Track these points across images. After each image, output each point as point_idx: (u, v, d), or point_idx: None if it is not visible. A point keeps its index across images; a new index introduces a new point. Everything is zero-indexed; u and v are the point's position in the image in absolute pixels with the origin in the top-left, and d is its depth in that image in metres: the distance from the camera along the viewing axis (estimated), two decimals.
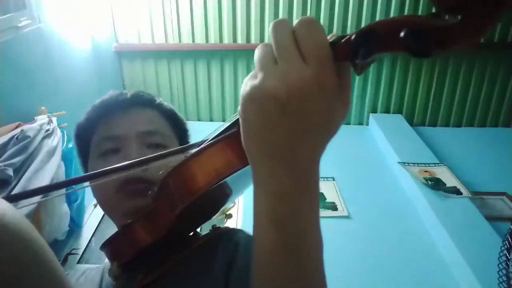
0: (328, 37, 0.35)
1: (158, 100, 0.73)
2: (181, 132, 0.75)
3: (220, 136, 0.45)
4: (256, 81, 0.34)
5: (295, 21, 0.35)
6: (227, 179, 0.45)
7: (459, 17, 0.28)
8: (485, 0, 0.27)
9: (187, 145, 0.64)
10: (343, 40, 0.33)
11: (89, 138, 0.69)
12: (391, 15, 3.27)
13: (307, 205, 0.36)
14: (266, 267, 0.37)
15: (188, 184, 0.46)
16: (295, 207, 0.35)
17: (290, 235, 0.36)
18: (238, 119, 0.43)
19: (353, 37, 0.32)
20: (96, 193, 0.66)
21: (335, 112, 0.35)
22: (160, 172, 0.50)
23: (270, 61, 0.34)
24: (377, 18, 3.28)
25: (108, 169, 0.55)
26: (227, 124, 0.47)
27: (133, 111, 0.69)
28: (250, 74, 0.36)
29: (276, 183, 0.35)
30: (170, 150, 0.59)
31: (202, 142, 0.53)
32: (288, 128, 0.34)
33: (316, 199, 0.37)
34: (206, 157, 0.45)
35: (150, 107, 0.71)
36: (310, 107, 0.33)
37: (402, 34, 0.29)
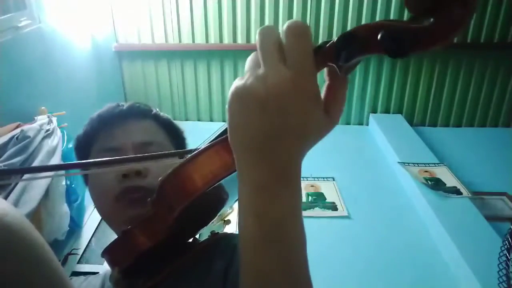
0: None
1: (155, 110, 0.74)
2: (179, 141, 0.76)
3: (216, 140, 0.47)
4: (241, 81, 0.38)
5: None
6: (223, 182, 0.46)
7: (431, 19, 0.30)
8: (453, 3, 0.29)
9: (185, 150, 0.64)
10: (327, 45, 0.36)
11: (88, 151, 0.71)
12: (391, 15, 3.27)
13: (286, 197, 0.37)
14: (249, 256, 0.38)
15: (185, 186, 0.47)
16: (273, 198, 0.37)
17: (269, 225, 0.37)
18: None
19: (335, 41, 0.35)
20: (96, 201, 0.68)
21: (315, 119, 0.36)
22: (159, 179, 0.51)
23: (255, 65, 0.38)
24: (377, 18, 3.29)
25: (106, 160, 0.57)
26: (222, 129, 0.49)
27: (130, 123, 0.70)
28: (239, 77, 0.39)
29: (255, 175, 0.37)
30: (169, 152, 0.59)
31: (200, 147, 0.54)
32: (266, 124, 0.36)
33: (296, 193, 0.38)
34: (202, 160, 0.46)
35: (146, 118, 0.72)
36: (287, 107, 0.35)
37: (379, 36, 0.32)
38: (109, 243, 0.59)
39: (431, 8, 0.30)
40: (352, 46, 0.34)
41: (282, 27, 0.37)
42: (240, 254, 0.40)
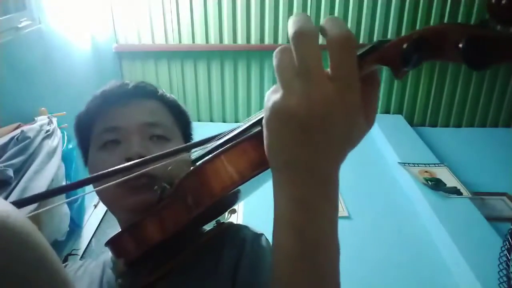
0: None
1: (161, 91, 0.71)
2: (184, 124, 0.74)
3: (243, 137, 0.44)
4: (278, 97, 0.34)
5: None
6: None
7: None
8: None
9: (191, 143, 0.62)
10: (388, 45, 0.33)
11: (90, 129, 0.68)
12: (391, 15, 3.27)
13: (326, 212, 0.37)
14: (283, 270, 0.38)
15: (209, 187, 0.45)
16: (314, 213, 0.36)
17: (308, 241, 0.36)
18: (259, 121, 0.43)
19: (405, 45, 0.32)
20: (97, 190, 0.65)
21: (357, 128, 0.36)
22: (169, 168, 0.49)
23: (292, 76, 0.33)
24: (377, 19, 3.29)
25: (111, 170, 0.53)
26: (245, 125, 0.46)
27: (135, 102, 0.67)
28: (273, 88, 0.36)
29: (296, 191, 0.36)
30: (173, 149, 0.57)
31: (210, 139, 0.52)
32: (309, 145, 0.34)
33: (335, 207, 0.37)
34: (230, 158, 0.44)
35: (152, 98, 0.69)
36: (332, 125, 0.33)
37: (461, 44, 0.28)
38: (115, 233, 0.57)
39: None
40: (425, 52, 0.31)
41: (321, 24, 0.34)
42: (273, 266, 0.39)
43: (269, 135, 0.37)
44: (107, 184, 0.54)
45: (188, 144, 0.61)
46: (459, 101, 3.55)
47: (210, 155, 0.46)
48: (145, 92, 0.69)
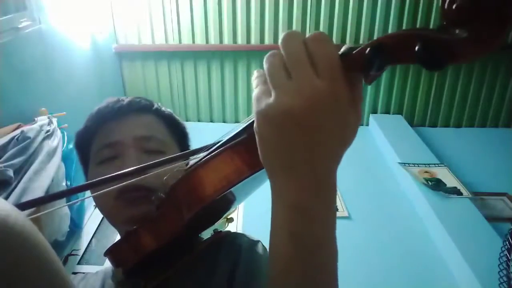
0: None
1: (156, 105, 0.72)
2: (181, 137, 0.74)
3: (230, 144, 0.45)
4: (270, 99, 0.35)
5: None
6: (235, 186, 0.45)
7: (468, 32, 0.29)
8: (489, 18, 0.28)
9: (187, 151, 0.63)
10: (355, 52, 0.35)
11: (89, 147, 0.69)
12: (391, 17, 3.27)
13: (323, 214, 0.36)
14: (281, 277, 0.37)
15: (199, 191, 0.46)
16: (311, 219, 0.36)
17: (306, 248, 0.36)
18: (247, 126, 0.44)
19: (367, 51, 0.33)
20: (96, 201, 0.66)
21: (349, 124, 0.36)
22: (164, 178, 0.50)
23: (283, 75, 0.35)
24: (377, 20, 3.29)
25: (107, 177, 0.55)
26: (235, 131, 0.48)
27: (130, 117, 0.68)
28: (261, 89, 0.37)
29: (293, 195, 0.36)
30: (170, 156, 0.58)
31: (205, 148, 0.54)
32: (304, 143, 0.34)
33: (333, 211, 0.37)
34: (217, 164, 0.45)
35: (147, 113, 0.70)
36: (325, 120, 0.34)
37: (416, 48, 0.30)
38: (110, 243, 0.58)
39: (467, 19, 0.29)
40: (385, 56, 0.33)
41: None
42: (269, 271, 0.39)
43: (264, 140, 0.37)
44: (102, 191, 0.55)
45: (182, 153, 0.62)
46: (459, 101, 3.55)
47: (199, 162, 0.47)
48: (140, 107, 0.70)
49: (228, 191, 0.45)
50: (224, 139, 0.49)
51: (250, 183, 0.47)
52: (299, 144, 0.34)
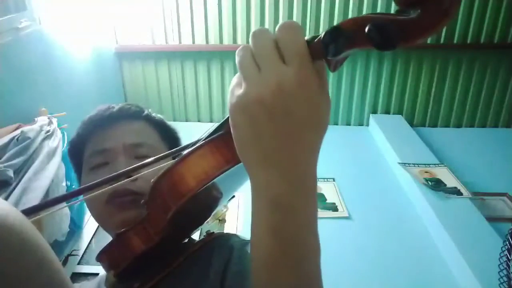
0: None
1: (146, 111, 0.73)
2: (172, 142, 0.75)
3: (208, 138, 0.46)
4: (241, 90, 0.35)
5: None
6: (216, 181, 0.46)
7: (419, 11, 0.30)
8: None
9: (174, 149, 0.64)
10: (315, 40, 0.35)
11: (81, 154, 0.71)
12: None
13: (304, 208, 0.36)
14: (263, 272, 0.37)
15: (178, 187, 0.46)
16: (291, 212, 0.35)
17: (287, 242, 0.36)
18: (224, 122, 0.44)
19: (321, 36, 0.34)
20: (87, 203, 0.68)
21: (321, 109, 0.36)
22: (152, 180, 0.50)
23: (252, 68, 0.35)
24: None
25: (99, 181, 0.56)
26: (214, 127, 0.48)
27: (120, 124, 0.69)
28: (235, 82, 0.37)
29: (272, 190, 0.35)
30: (159, 156, 0.59)
31: (189, 146, 0.54)
32: (277, 131, 0.34)
33: (314, 204, 0.37)
34: (194, 159, 0.46)
35: (138, 119, 0.72)
36: (295, 106, 0.34)
37: (366, 29, 0.31)
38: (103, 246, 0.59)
39: (419, 0, 0.30)
40: (339, 40, 0.33)
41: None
42: (253, 272, 0.39)
43: (237, 132, 0.37)
44: (95, 193, 0.56)
45: (168, 152, 0.63)
46: (459, 102, 3.55)
47: (176, 159, 0.48)
48: (130, 113, 0.71)
49: (210, 185, 0.46)
50: (205, 135, 0.50)
51: (233, 178, 0.48)
52: (271, 132, 0.34)
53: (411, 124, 3.52)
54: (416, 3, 0.30)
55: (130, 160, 0.66)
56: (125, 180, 0.57)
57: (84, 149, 0.70)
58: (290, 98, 0.34)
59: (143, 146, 0.68)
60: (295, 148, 0.35)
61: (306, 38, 0.36)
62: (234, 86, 0.37)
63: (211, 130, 0.49)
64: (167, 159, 0.63)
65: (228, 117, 0.39)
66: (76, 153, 0.72)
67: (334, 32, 0.33)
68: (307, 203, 0.36)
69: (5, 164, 1.61)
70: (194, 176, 0.45)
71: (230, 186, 0.60)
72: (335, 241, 2.18)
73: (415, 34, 0.30)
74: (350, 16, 3.27)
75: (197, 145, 0.46)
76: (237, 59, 0.37)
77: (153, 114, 0.74)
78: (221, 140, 0.44)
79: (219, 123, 0.47)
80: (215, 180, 0.45)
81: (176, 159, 0.48)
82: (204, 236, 0.66)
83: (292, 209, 0.35)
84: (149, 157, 0.67)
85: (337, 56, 0.34)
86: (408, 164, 2.75)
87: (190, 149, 0.46)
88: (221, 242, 0.63)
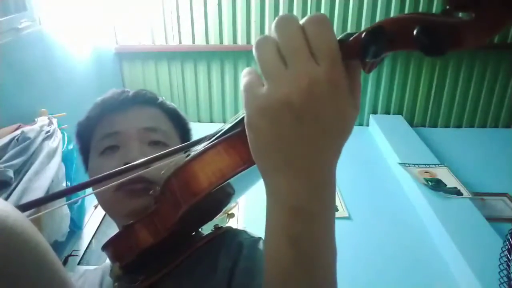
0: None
1: (161, 98, 0.72)
2: (183, 131, 0.74)
3: (224, 136, 0.44)
4: (264, 90, 0.32)
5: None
6: (230, 180, 0.44)
7: (473, 15, 0.27)
8: (495, 1, 0.27)
9: (187, 143, 0.63)
10: (351, 39, 0.32)
11: (90, 136, 0.69)
12: (392, 15, 3.27)
13: (323, 215, 0.35)
14: (279, 280, 0.36)
15: (192, 185, 0.45)
16: (310, 219, 0.34)
17: (305, 251, 0.34)
18: (241, 119, 0.42)
19: (362, 35, 0.31)
20: (96, 193, 0.66)
21: (349, 114, 0.33)
22: (162, 172, 0.49)
23: (278, 64, 0.32)
24: (377, 18, 3.29)
25: (109, 173, 0.54)
26: (229, 125, 0.46)
27: (134, 109, 0.68)
28: (251, 80, 0.34)
29: (293, 197, 0.34)
30: (171, 149, 0.57)
31: (203, 139, 0.52)
32: (303, 134, 0.32)
33: (332, 210, 0.36)
34: (210, 157, 0.44)
35: (152, 105, 0.70)
36: (324, 110, 0.31)
37: (415, 32, 0.28)
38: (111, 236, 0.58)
39: (471, 3, 0.27)
40: (380, 41, 0.30)
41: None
42: (265, 274, 0.38)
43: (255, 135, 0.34)
44: (104, 187, 0.54)
45: (182, 145, 0.61)
46: (459, 102, 3.55)
47: (191, 156, 0.46)
48: (145, 99, 0.70)
49: (224, 184, 0.44)
50: (219, 133, 0.48)
51: (249, 176, 0.45)
52: (296, 136, 0.32)
53: (411, 124, 3.52)
54: (470, 6, 0.27)
55: (142, 145, 0.64)
56: (134, 175, 0.54)
57: (94, 131, 0.68)
58: (320, 102, 0.31)
59: (157, 131, 0.66)
60: (319, 155, 0.33)
61: (342, 35, 0.33)
62: (251, 84, 0.33)
63: (225, 127, 0.47)
64: (179, 153, 0.61)
65: (243, 118, 0.36)
66: (85, 135, 0.70)
67: (376, 32, 0.30)
68: (327, 211, 0.35)
69: (5, 165, 1.61)
70: (208, 176, 0.43)
71: (244, 184, 0.58)
72: (335, 241, 2.18)
73: (468, 40, 0.28)
74: (349, 17, 3.28)
75: (213, 142, 0.44)
76: (257, 53, 0.33)
77: (167, 102, 0.73)
78: (238, 138, 0.41)
79: (233, 120, 0.45)
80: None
81: (190, 156, 0.46)
82: (212, 230, 0.64)
83: (312, 217, 0.34)
84: (163, 143, 0.66)
85: (376, 58, 0.31)
86: (408, 164, 2.75)
87: (204, 146, 0.44)
88: (230, 238, 0.62)
